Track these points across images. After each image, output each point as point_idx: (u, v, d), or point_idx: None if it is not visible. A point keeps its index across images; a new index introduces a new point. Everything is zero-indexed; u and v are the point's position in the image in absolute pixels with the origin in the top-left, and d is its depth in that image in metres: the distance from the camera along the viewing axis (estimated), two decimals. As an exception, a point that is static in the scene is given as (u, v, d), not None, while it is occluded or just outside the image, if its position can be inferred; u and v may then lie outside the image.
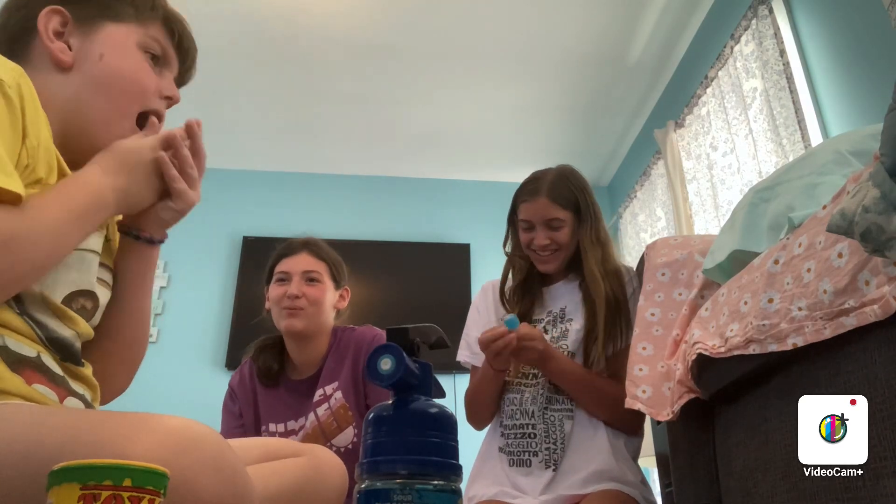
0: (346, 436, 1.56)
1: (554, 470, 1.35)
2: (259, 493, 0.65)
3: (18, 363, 0.68)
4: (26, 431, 0.56)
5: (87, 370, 0.81)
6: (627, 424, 1.41)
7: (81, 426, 0.57)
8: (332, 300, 1.69)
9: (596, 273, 1.48)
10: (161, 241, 0.91)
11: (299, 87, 3.56)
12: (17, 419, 0.58)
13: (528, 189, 1.55)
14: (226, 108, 3.71)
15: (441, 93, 3.62)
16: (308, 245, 1.71)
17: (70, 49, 0.82)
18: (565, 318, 1.52)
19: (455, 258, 4.08)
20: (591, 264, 1.49)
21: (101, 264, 0.85)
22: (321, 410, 1.59)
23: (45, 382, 0.71)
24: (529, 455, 1.39)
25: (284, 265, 1.67)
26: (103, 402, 0.89)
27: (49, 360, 0.73)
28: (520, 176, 1.66)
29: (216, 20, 3.04)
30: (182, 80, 0.97)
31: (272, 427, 1.60)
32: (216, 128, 3.90)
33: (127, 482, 0.41)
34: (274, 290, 1.65)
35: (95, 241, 0.81)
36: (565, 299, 1.55)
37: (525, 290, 1.57)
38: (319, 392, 1.61)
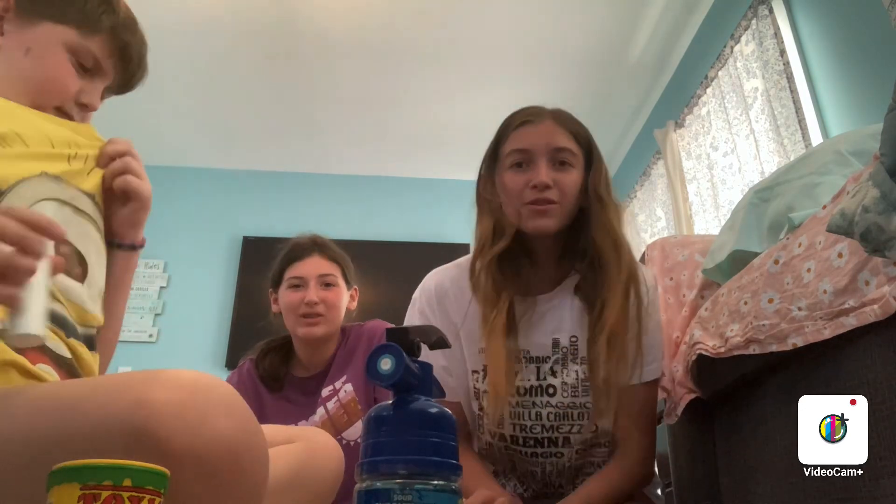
0: (357, 429, 1.54)
1: None
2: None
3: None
4: (47, 390, 0.59)
5: (94, 358, 0.82)
6: (641, 488, 1.15)
7: (99, 379, 0.59)
8: (345, 302, 1.66)
9: (620, 234, 1.07)
10: (140, 246, 0.95)
11: (299, 87, 3.55)
12: (37, 386, 0.62)
13: (527, 112, 1.13)
14: (226, 108, 3.71)
15: (441, 93, 3.62)
16: (319, 246, 1.65)
17: (2, 33, 0.85)
18: (578, 355, 1.10)
19: (455, 258, 4.06)
20: (612, 221, 1.07)
21: (87, 193, 0.86)
22: (331, 404, 1.56)
23: (48, 363, 0.72)
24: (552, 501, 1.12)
25: (298, 270, 1.61)
26: None
27: (54, 343, 0.73)
28: (520, 176, 1.64)
29: (216, 20, 3.04)
30: (128, 84, 0.98)
31: (303, 425, 1.59)
32: (217, 128, 3.90)
33: (127, 482, 0.41)
34: (288, 297, 1.59)
35: (60, 191, 0.82)
36: (570, 319, 1.11)
37: (505, 275, 1.09)
38: (328, 388, 1.58)
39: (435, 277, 1.20)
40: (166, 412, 0.51)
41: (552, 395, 1.10)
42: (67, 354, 0.75)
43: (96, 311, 0.84)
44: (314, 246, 1.64)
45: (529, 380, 1.10)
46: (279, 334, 1.69)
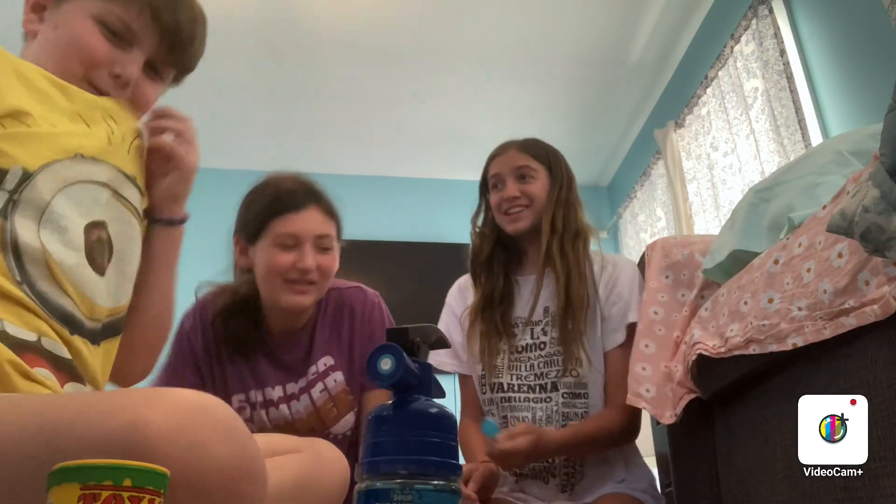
0: (346, 422, 1.37)
1: (570, 492, 1.32)
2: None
3: (18, 347, 0.68)
4: (41, 406, 0.57)
5: (106, 350, 0.80)
6: (627, 440, 1.37)
7: (96, 396, 0.58)
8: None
9: (546, 228, 1.39)
10: (182, 221, 0.93)
11: (300, 86, 3.55)
12: (30, 399, 0.60)
13: (499, 146, 1.50)
14: (226, 108, 3.71)
15: (441, 93, 3.62)
16: (315, 197, 1.34)
17: (42, 21, 0.86)
18: None
19: (455, 258, 4.04)
20: (546, 222, 1.39)
21: (129, 177, 0.85)
22: (316, 393, 1.34)
23: (46, 366, 0.70)
24: (546, 475, 1.33)
25: (291, 225, 1.29)
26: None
27: (51, 343, 0.72)
28: (520, 176, 1.65)
29: (216, 19, 3.03)
30: (174, 54, 0.93)
31: (269, 393, 1.35)
32: (216, 127, 3.90)
33: (127, 482, 0.41)
34: (276, 258, 1.28)
35: (100, 173, 0.80)
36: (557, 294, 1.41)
37: (486, 271, 1.45)
38: (312, 369, 1.35)
39: (460, 278, 1.57)
40: (162, 436, 0.50)
41: (542, 350, 1.38)
42: (67, 355, 0.74)
43: (117, 302, 0.83)
44: (310, 196, 1.34)
45: (525, 339, 1.40)
46: (238, 285, 1.40)
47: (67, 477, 0.41)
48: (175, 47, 0.92)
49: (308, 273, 1.28)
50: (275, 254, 1.28)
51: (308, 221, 1.30)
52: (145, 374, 0.95)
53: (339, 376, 1.36)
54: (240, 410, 1.33)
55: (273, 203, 1.31)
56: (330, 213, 1.36)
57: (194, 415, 0.54)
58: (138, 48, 0.88)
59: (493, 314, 1.42)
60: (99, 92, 0.86)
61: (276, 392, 1.35)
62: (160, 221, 0.91)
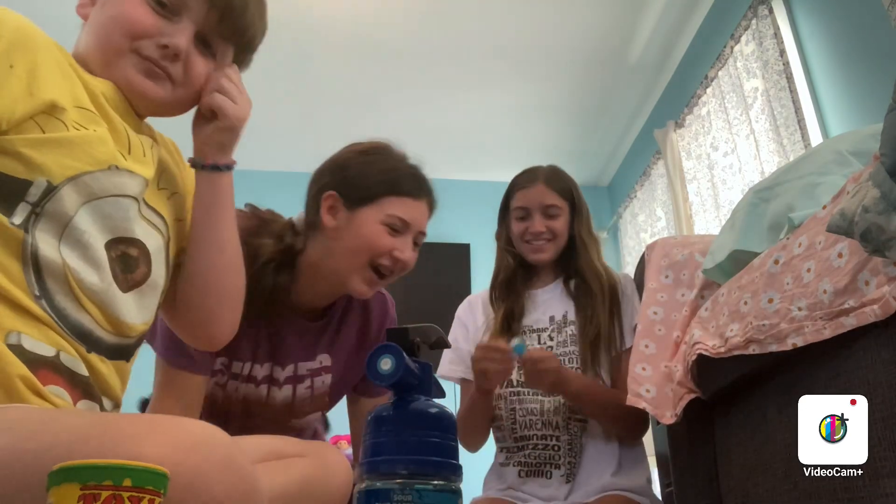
0: (308, 420, 1.33)
1: (571, 483, 1.34)
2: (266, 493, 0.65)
3: (34, 363, 0.67)
4: (39, 430, 0.56)
5: (124, 367, 0.79)
6: (637, 434, 1.42)
7: (92, 426, 0.57)
8: None
9: (597, 265, 1.50)
10: (228, 167, 0.92)
11: (300, 86, 3.55)
12: (30, 418, 0.59)
13: (525, 177, 1.57)
14: (226, 108, 3.71)
15: (441, 93, 3.62)
16: (430, 192, 1.29)
17: (94, 4, 0.84)
18: (568, 322, 1.49)
19: (455, 258, 4.06)
20: (591, 257, 1.50)
21: (152, 208, 0.84)
22: (302, 389, 1.25)
23: (60, 383, 0.70)
24: (550, 467, 1.37)
25: (408, 210, 1.21)
26: (217, 346, 0.96)
27: (70, 359, 0.71)
28: (520, 176, 1.65)
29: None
30: (230, 31, 0.88)
31: (256, 370, 1.23)
32: (216, 128, 3.91)
33: (127, 482, 0.41)
34: (381, 236, 1.18)
35: (133, 185, 0.79)
36: (561, 304, 1.52)
37: (509, 289, 1.55)
38: (308, 364, 1.26)
39: (470, 296, 1.69)
40: None
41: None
42: (84, 372, 0.73)
43: (146, 317, 0.82)
44: (429, 187, 1.29)
45: (533, 345, 1.49)
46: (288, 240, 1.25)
47: (68, 477, 0.41)
48: (225, 16, 0.86)
49: (398, 264, 1.20)
50: (381, 232, 1.18)
51: (421, 213, 1.25)
52: (234, 328, 0.95)
53: (328, 379, 1.28)
54: (217, 373, 1.21)
55: (400, 179, 1.23)
56: (433, 211, 1.31)
57: (194, 450, 0.53)
58: (187, 18, 0.84)
59: (511, 326, 1.53)
60: (151, 62, 0.82)
61: (263, 371, 1.23)
62: (206, 168, 0.90)
